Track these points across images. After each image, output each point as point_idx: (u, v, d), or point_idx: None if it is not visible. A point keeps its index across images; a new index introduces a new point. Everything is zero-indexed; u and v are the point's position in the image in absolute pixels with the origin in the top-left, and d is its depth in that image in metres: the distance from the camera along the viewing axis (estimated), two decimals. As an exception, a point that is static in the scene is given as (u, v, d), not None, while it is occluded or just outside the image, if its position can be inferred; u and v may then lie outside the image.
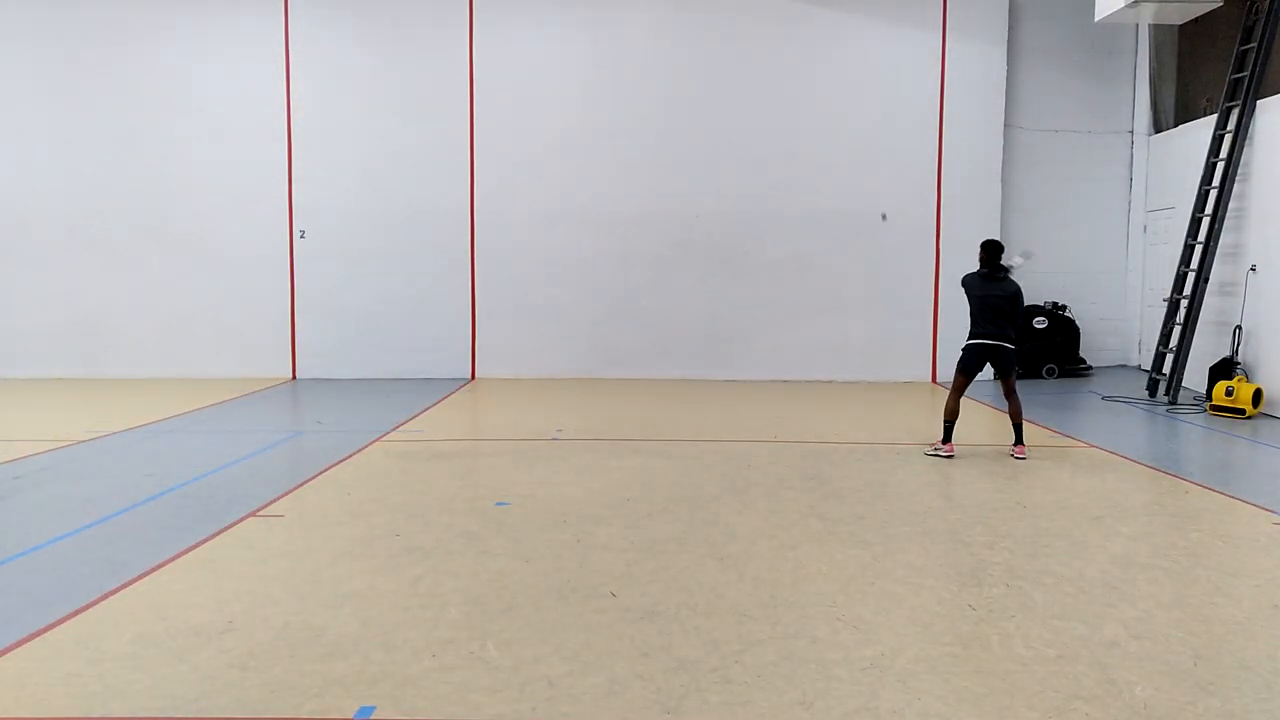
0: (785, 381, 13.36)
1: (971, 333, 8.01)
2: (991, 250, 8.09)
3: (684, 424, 9.81)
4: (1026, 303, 9.84)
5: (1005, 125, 13.58)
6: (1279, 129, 10.55)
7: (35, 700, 3.55)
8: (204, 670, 3.80)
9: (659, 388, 12.67)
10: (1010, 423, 8.13)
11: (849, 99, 13.38)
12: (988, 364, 8.09)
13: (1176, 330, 11.53)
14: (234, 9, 13.32)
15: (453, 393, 12.17)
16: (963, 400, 8.14)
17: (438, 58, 13.33)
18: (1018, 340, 8.11)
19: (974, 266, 8.28)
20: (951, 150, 13.33)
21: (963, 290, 8.22)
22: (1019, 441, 7.99)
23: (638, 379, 13.42)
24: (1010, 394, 8.08)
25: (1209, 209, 11.40)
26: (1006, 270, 8.04)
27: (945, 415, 8.04)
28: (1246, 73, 11.07)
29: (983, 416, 10.23)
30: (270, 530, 5.80)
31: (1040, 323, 13.39)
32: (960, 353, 8.21)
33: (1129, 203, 14.26)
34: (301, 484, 7.01)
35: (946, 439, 8.01)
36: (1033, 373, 13.16)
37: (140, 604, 4.52)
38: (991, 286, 7.94)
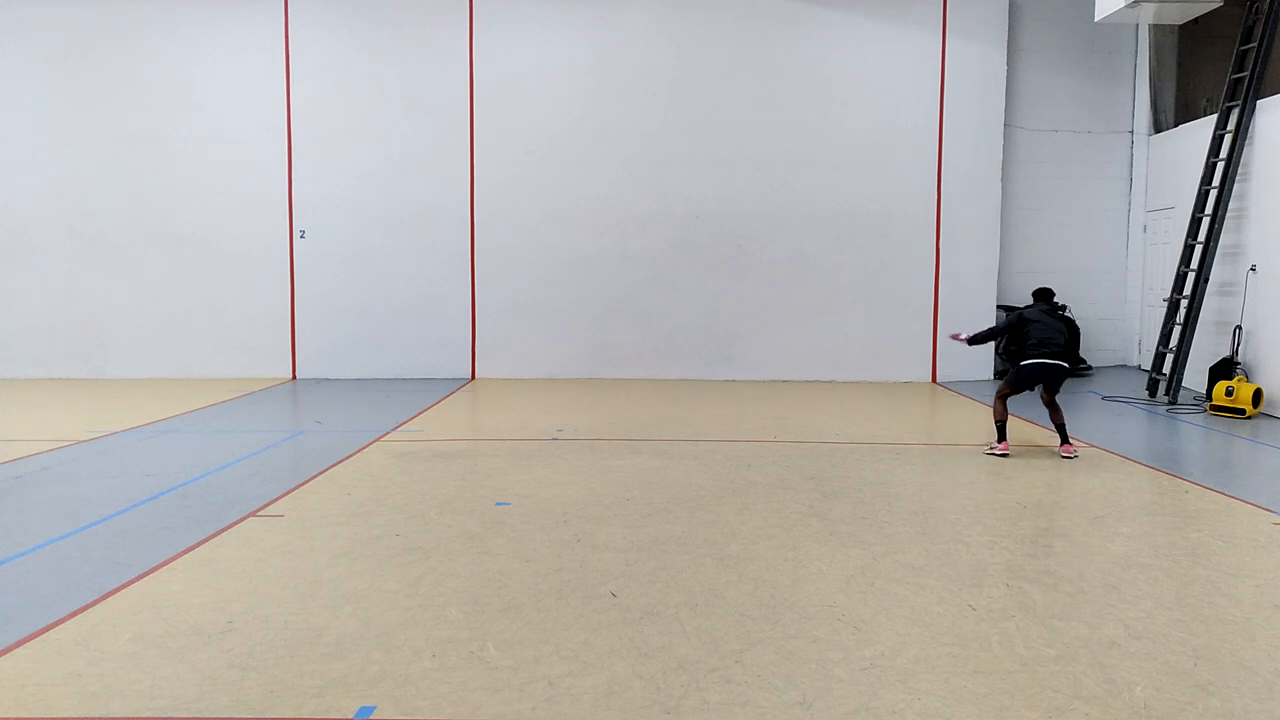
0: (785, 381, 13.37)
1: (1030, 354, 8.35)
2: (1046, 292, 8.83)
3: (684, 424, 9.80)
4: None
5: (1005, 125, 13.59)
6: (1279, 129, 10.55)
7: (35, 700, 3.55)
8: (204, 670, 3.79)
9: (659, 388, 12.67)
10: (1053, 425, 8.39)
11: (849, 99, 13.38)
12: (1032, 380, 8.45)
13: (1176, 330, 11.53)
14: (234, 9, 13.32)
15: (453, 393, 12.17)
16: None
17: (438, 58, 13.33)
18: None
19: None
20: (951, 150, 13.33)
21: (1018, 320, 8.59)
22: (1065, 441, 8.25)
23: (638, 379, 13.43)
24: (1051, 404, 8.39)
25: (1209, 209, 11.40)
26: (1063, 308, 8.87)
27: (995, 417, 8.35)
28: (1246, 73, 11.07)
29: (981, 415, 10.22)
30: (270, 530, 5.79)
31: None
32: (1014, 371, 8.48)
33: (1129, 203, 14.27)
34: (301, 484, 7.01)
35: (1001, 438, 8.26)
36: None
37: (140, 604, 4.52)
38: (1054, 320, 8.54)
